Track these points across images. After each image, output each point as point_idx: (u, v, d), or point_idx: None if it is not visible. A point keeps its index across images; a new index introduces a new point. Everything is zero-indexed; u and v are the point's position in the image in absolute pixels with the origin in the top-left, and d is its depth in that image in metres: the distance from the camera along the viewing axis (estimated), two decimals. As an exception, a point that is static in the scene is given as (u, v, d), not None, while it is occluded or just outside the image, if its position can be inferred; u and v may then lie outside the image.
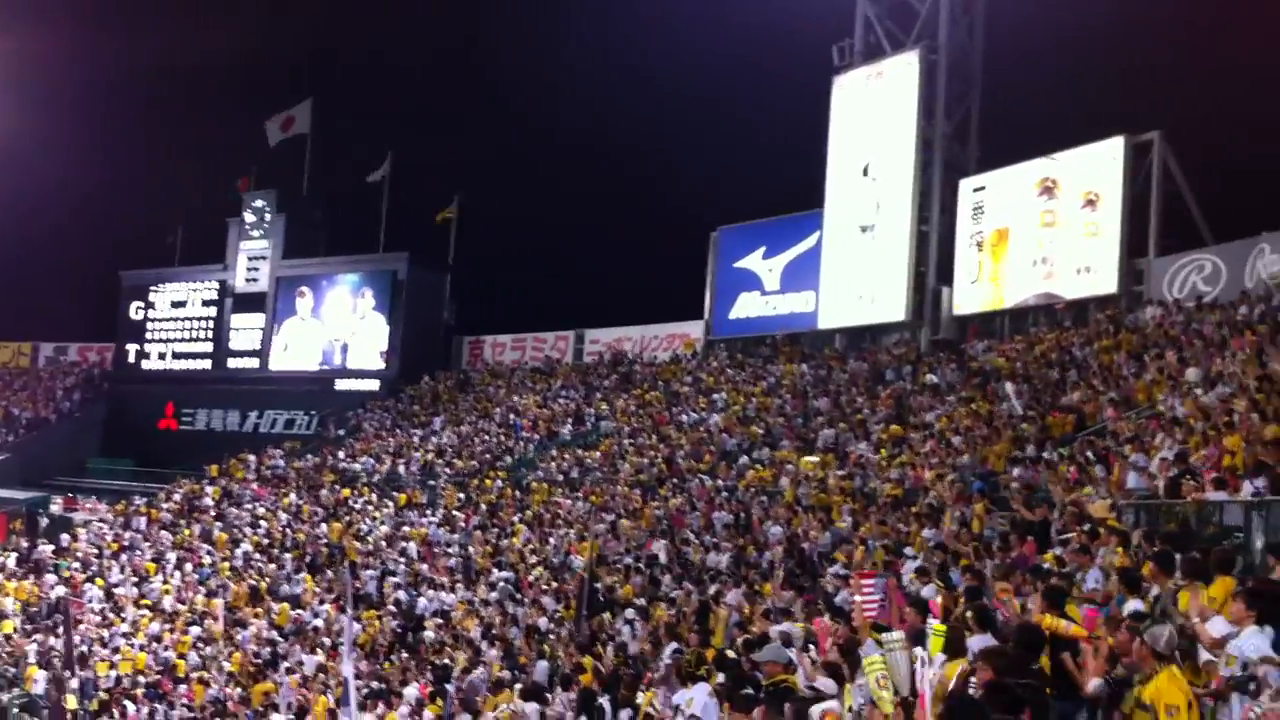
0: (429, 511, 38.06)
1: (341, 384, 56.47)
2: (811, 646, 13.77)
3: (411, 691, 23.20)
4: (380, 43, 69.09)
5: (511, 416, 45.98)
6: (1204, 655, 8.55)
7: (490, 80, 63.39)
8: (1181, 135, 37.02)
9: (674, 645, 15.89)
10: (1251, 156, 40.90)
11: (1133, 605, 10.53)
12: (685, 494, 32.16)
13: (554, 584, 28.58)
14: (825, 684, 11.79)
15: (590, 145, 61.92)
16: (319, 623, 30.86)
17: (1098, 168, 37.53)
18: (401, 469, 43.45)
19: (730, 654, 14.71)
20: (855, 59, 44.95)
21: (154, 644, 32.56)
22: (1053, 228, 38.53)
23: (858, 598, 14.05)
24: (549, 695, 18.99)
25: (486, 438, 44.44)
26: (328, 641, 29.11)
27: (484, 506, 36.85)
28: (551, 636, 25.04)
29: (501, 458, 42.08)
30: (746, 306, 48.38)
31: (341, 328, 57.24)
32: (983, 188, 41.05)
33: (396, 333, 55.75)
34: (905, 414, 32.77)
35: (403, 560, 33.97)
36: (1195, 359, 25.74)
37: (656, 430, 39.44)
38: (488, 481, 39.26)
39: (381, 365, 55.83)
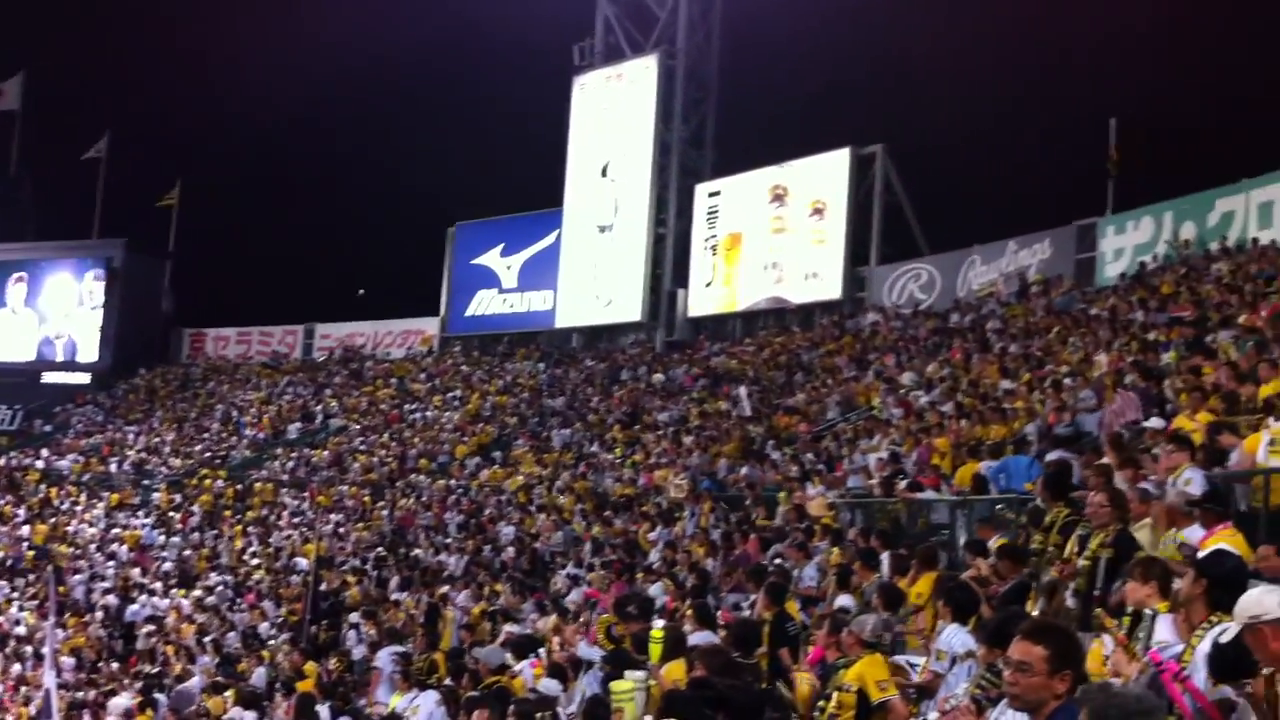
0: (142, 513, 36.16)
1: (49, 377, 52.94)
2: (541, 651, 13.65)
3: (120, 702, 22.00)
4: (97, 14, 65.09)
5: (234, 413, 44.19)
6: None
7: (217, 60, 60.65)
8: (902, 149, 38.93)
9: (393, 648, 15.45)
10: (965, 172, 43.39)
11: (842, 600, 10.78)
12: (416, 494, 31.61)
13: (276, 588, 27.58)
14: (549, 685, 11.64)
15: (324, 135, 60.21)
16: (20, 630, 28.90)
17: (825, 178, 38.96)
18: (113, 467, 41.15)
19: None
20: (596, 59, 45.28)
21: None
22: (783, 234, 39.76)
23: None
24: (267, 703, 18.22)
25: (206, 436, 42.58)
26: (30, 650, 27.23)
27: (200, 508, 35.25)
28: (272, 642, 24.11)
29: (223, 456, 40.38)
30: (484, 304, 48.04)
31: (50, 317, 53.67)
32: (718, 193, 42.01)
33: (111, 323, 52.64)
34: (639, 414, 33.12)
35: (113, 564, 32.18)
36: (910, 363, 26.95)
37: (388, 428, 38.64)
38: (206, 481, 37.57)
39: (94, 358, 52.67)
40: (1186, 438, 10.82)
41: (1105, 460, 10.71)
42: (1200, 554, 6.57)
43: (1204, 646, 5.33)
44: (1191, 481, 9.69)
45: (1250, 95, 38.97)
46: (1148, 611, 6.15)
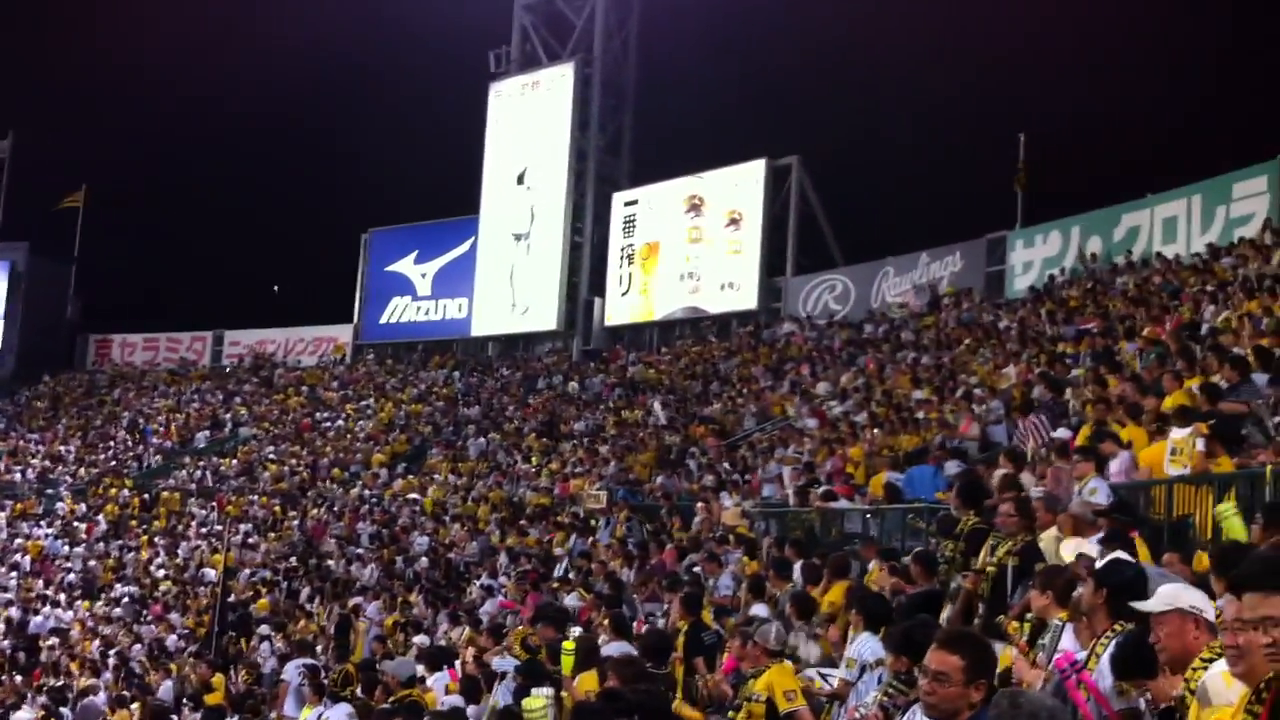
0: (45, 522, 35.28)
1: (-52, 384, 51.47)
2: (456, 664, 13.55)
3: (23, 716, 21.60)
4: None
5: (141, 421, 43.31)
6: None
7: (127, 59, 59.32)
8: (817, 161, 39.25)
9: (301, 661, 15.22)
10: (879, 185, 43.88)
11: (756, 610, 10.82)
12: (327, 504, 31.23)
13: (183, 599, 27.07)
14: (455, 699, 11.57)
15: (235, 139, 59.12)
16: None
17: (741, 188, 39.20)
18: (16, 476, 40.08)
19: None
20: (512, 67, 45.17)
21: None
22: (699, 244, 39.94)
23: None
24: (175, 717, 17.89)
25: (112, 444, 41.68)
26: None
27: (106, 518, 34.49)
28: (180, 654, 23.64)
29: (129, 465, 39.55)
30: (398, 311, 47.63)
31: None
32: (634, 201, 42.08)
33: (13, 329, 51.43)
34: (556, 423, 33.03)
35: (15, 575, 31.41)
36: (825, 374, 27.18)
37: (300, 437, 38.13)
38: (112, 491, 36.77)
39: (-4, 364, 51.37)
40: (1092, 449, 11.02)
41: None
42: (1098, 564, 6.66)
43: (1109, 653, 5.37)
44: (1097, 491, 9.86)
45: (1155, 113, 39.90)
46: (1054, 621, 6.21)
